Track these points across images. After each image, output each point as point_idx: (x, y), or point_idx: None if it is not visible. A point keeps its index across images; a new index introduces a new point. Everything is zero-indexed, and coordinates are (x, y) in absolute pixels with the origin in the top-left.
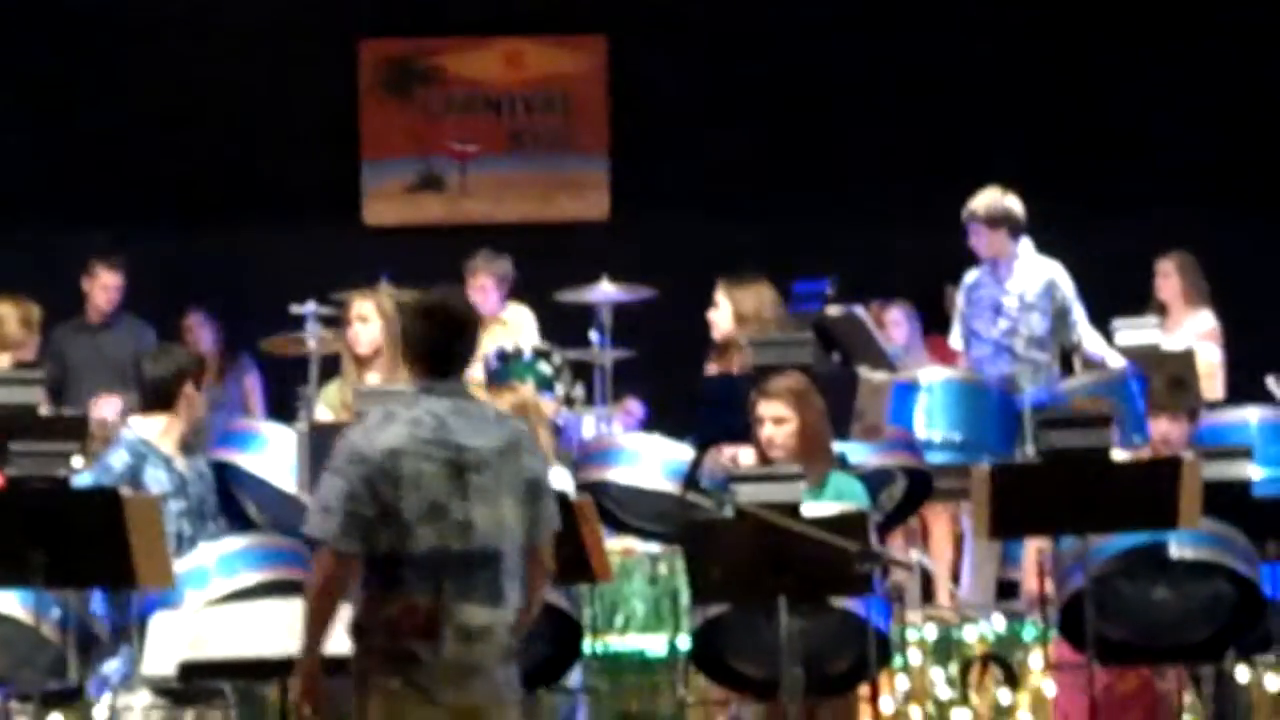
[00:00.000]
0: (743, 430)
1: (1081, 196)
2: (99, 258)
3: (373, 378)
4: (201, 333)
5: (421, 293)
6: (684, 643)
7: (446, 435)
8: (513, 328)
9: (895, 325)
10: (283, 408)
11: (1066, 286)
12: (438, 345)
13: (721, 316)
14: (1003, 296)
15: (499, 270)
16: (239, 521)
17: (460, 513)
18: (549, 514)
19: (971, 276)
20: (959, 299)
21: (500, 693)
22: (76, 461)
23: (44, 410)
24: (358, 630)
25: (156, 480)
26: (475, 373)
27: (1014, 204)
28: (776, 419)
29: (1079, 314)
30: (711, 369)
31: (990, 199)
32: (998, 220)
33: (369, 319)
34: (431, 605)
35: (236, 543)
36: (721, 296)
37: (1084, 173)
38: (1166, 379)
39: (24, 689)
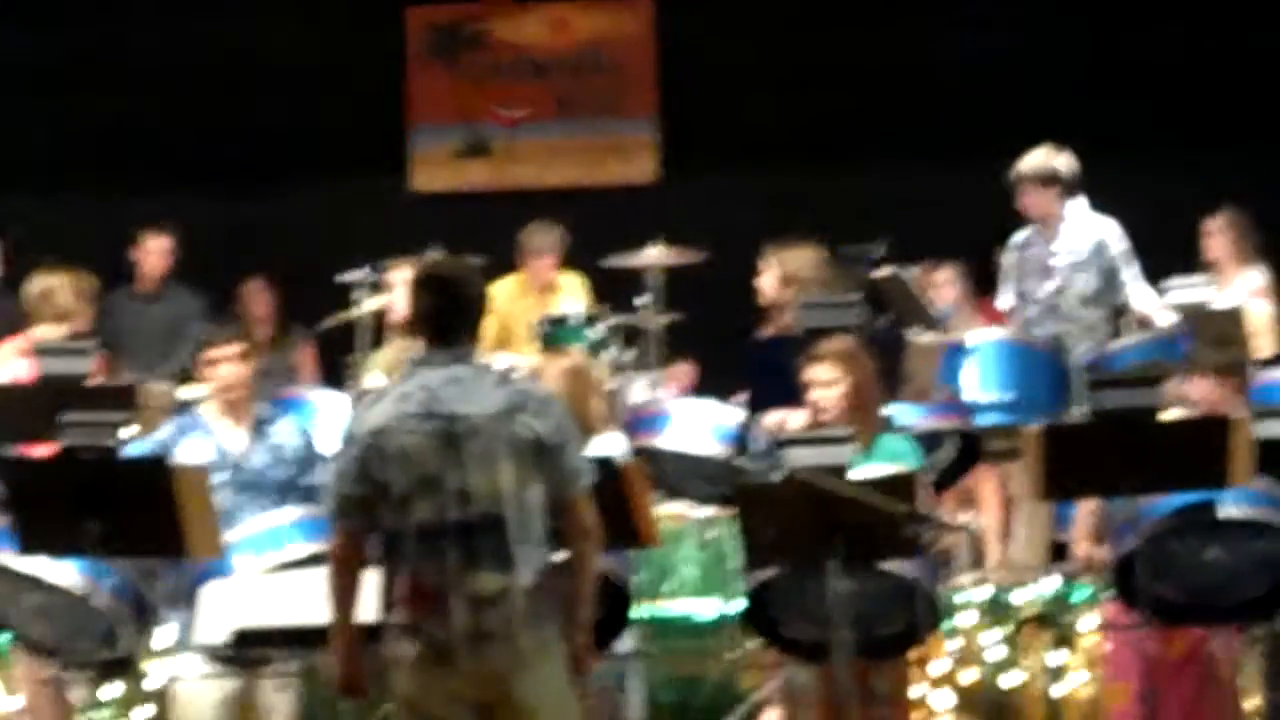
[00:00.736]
0: (794, 393)
1: (1142, 149)
2: (147, 227)
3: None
4: (259, 300)
5: (429, 261)
6: (735, 607)
7: (436, 406)
8: (564, 293)
9: (944, 286)
10: (334, 376)
11: (1116, 245)
12: (435, 314)
13: (768, 280)
14: (1051, 256)
15: (557, 240)
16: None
17: (456, 481)
18: (567, 471)
19: (1021, 236)
20: (1008, 259)
21: (525, 658)
22: (127, 431)
23: (95, 380)
24: (384, 606)
25: (193, 452)
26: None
27: (1064, 163)
28: (825, 382)
29: (1130, 273)
30: (762, 333)
31: (1039, 159)
32: (1047, 180)
33: (405, 286)
34: (437, 580)
35: (288, 514)
36: (767, 260)
37: (1142, 123)
38: (1208, 338)
39: (78, 659)
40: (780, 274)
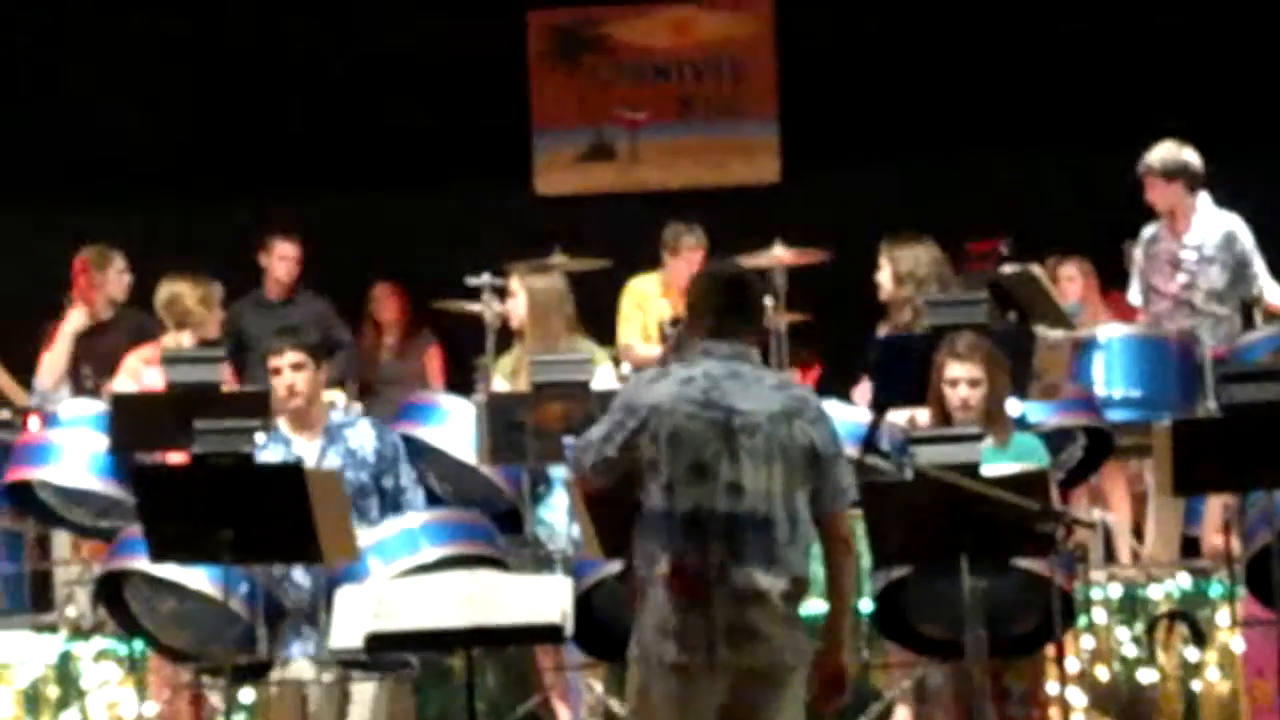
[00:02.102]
0: (920, 391)
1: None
2: (275, 231)
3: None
4: (387, 304)
5: (713, 261)
6: (866, 606)
7: (718, 397)
8: None
9: (1069, 281)
10: (461, 379)
11: (1246, 239)
12: (722, 309)
13: (884, 277)
14: (1180, 250)
15: (704, 240)
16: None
17: (729, 474)
18: (835, 485)
19: (1149, 231)
20: (1137, 254)
21: (783, 656)
22: (259, 437)
23: (226, 387)
24: (633, 590)
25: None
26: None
27: (1191, 157)
28: (972, 380)
29: (1260, 266)
30: (881, 330)
31: (1166, 152)
32: (1174, 173)
33: (516, 293)
34: (700, 565)
35: (419, 518)
36: (883, 258)
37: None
38: None
39: (214, 664)
40: (894, 271)
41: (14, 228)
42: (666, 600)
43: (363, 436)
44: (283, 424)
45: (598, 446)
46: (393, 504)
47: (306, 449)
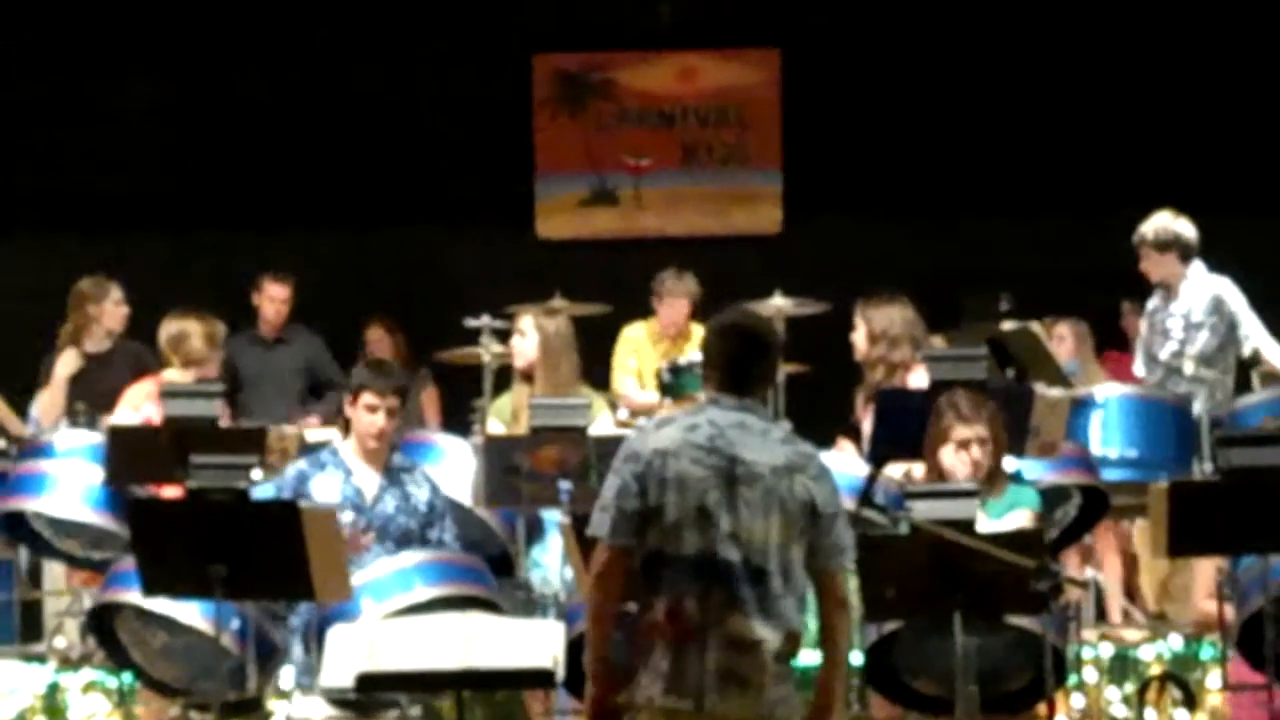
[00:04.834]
0: (917, 445)
1: (1265, 208)
2: (267, 273)
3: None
4: (383, 345)
5: (735, 310)
6: (857, 659)
7: (723, 445)
8: (695, 342)
9: (1061, 341)
10: (456, 420)
11: (1234, 300)
12: (734, 362)
13: (858, 337)
14: (1168, 319)
15: (692, 289)
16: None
17: (728, 524)
18: (834, 544)
19: (1152, 302)
20: (1142, 325)
21: (771, 709)
22: (256, 474)
23: (224, 423)
24: (627, 637)
25: (326, 488)
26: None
27: (1184, 228)
28: (981, 440)
29: (1252, 326)
30: (859, 393)
31: (1159, 224)
32: (1166, 245)
33: (526, 333)
34: (697, 614)
35: (413, 557)
36: (857, 317)
37: (1266, 184)
38: None
39: (204, 699)
40: (868, 330)
41: (12, 257)
42: (660, 644)
43: (419, 485)
44: (349, 450)
45: (615, 505)
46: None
47: (367, 482)
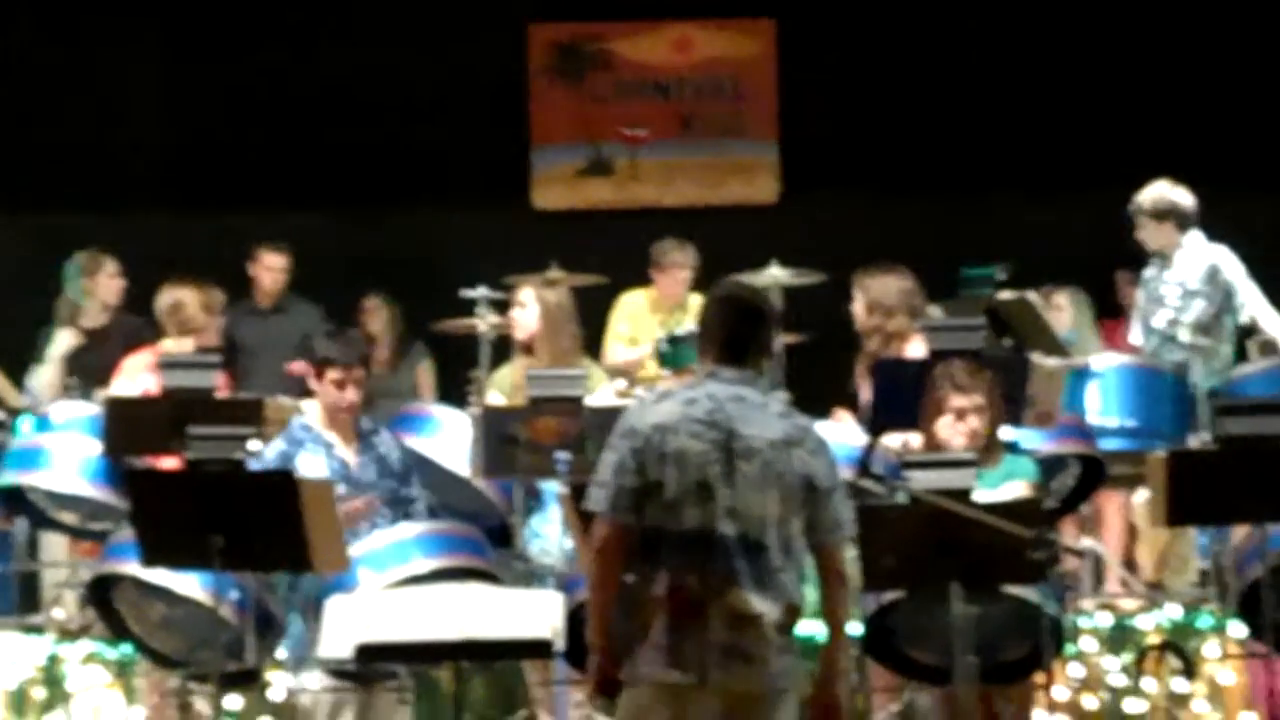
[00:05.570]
0: (914, 415)
1: (1266, 180)
2: (262, 242)
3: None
4: (378, 317)
5: (731, 282)
6: (856, 629)
7: (719, 418)
8: (692, 313)
9: (1060, 310)
10: (452, 391)
11: (1230, 269)
12: (730, 333)
13: (857, 307)
14: (1162, 287)
15: (693, 259)
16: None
17: (727, 498)
18: (832, 518)
19: (1148, 271)
20: (1139, 295)
21: (775, 681)
22: (253, 445)
23: (223, 394)
24: (625, 609)
25: (311, 466)
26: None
27: (1181, 197)
28: (977, 408)
29: (1249, 295)
30: (858, 362)
31: (1156, 193)
32: (1163, 214)
33: (527, 305)
34: (698, 586)
35: (411, 529)
36: (855, 288)
37: (1267, 156)
38: None
39: (203, 670)
40: (865, 300)
41: (8, 230)
42: (661, 619)
43: (388, 444)
44: (318, 425)
45: (614, 482)
46: (405, 513)
47: (346, 454)
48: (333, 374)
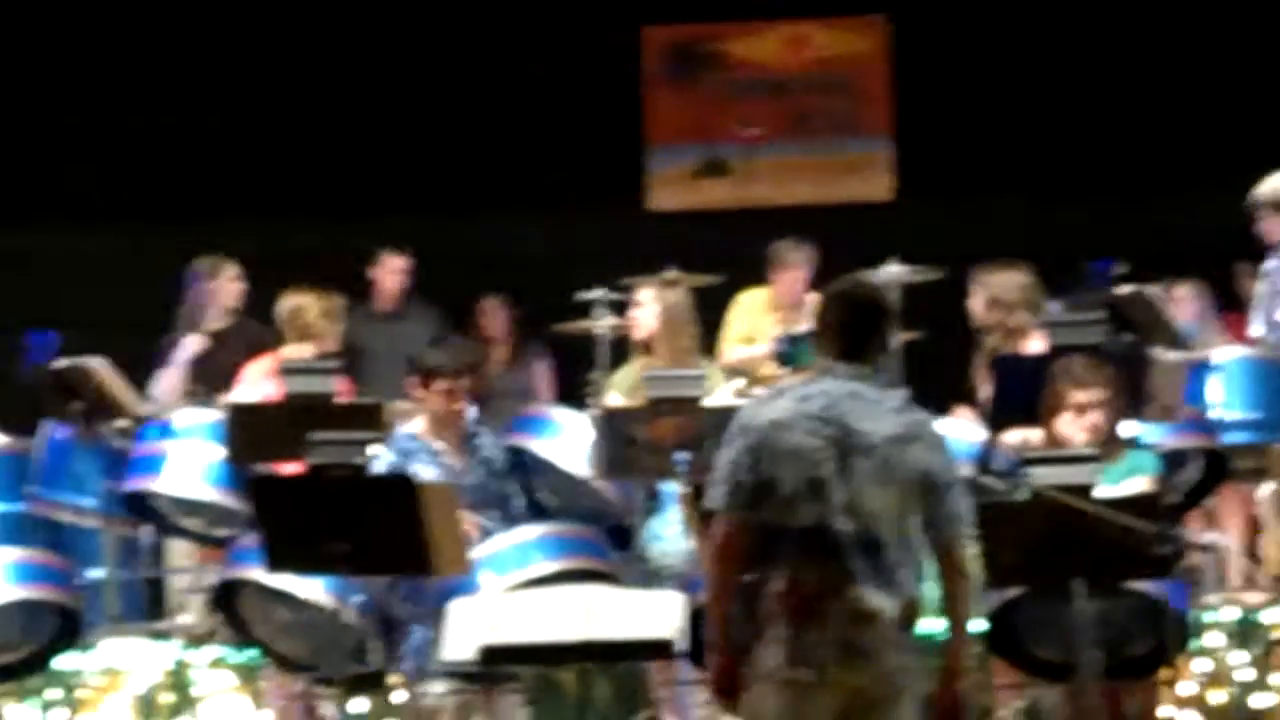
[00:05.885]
0: (1034, 411)
1: None
2: (385, 247)
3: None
4: (495, 318)
5: (848, 279)
6: (978, 626)
7: (836, 415)
8: (809, 312)
9: (1182, 303)
10: (569, 393)
11: None
12: (846, 330)
13: (975, 303)
14: None
15: (809, 258)
16: (532, 507)
17: (843, 494)
18: (949, 513)
19: (1271, 263)
20: (1259, 287)
21: (893, 678)
22: (372, 450)
23: (341, 399)
24: (744, 608)
25: (423, 475)
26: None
27: None
28: (1099, 403)
29: None
30: (976, 358)
31: (1275, 184)
32: None
33: (646, 304)
34: (816, 585)
35: (532, 531)
36: (975, 284)
37: None
38: None
39: (327, 674)
40: (987, 297)
41: (125, 245)
42: (779, 616)
43: (490, 446)
44: (423, 431)
45: (730, 480)
46: (505, 511)
47: (454, 461)
48: (441, 384)
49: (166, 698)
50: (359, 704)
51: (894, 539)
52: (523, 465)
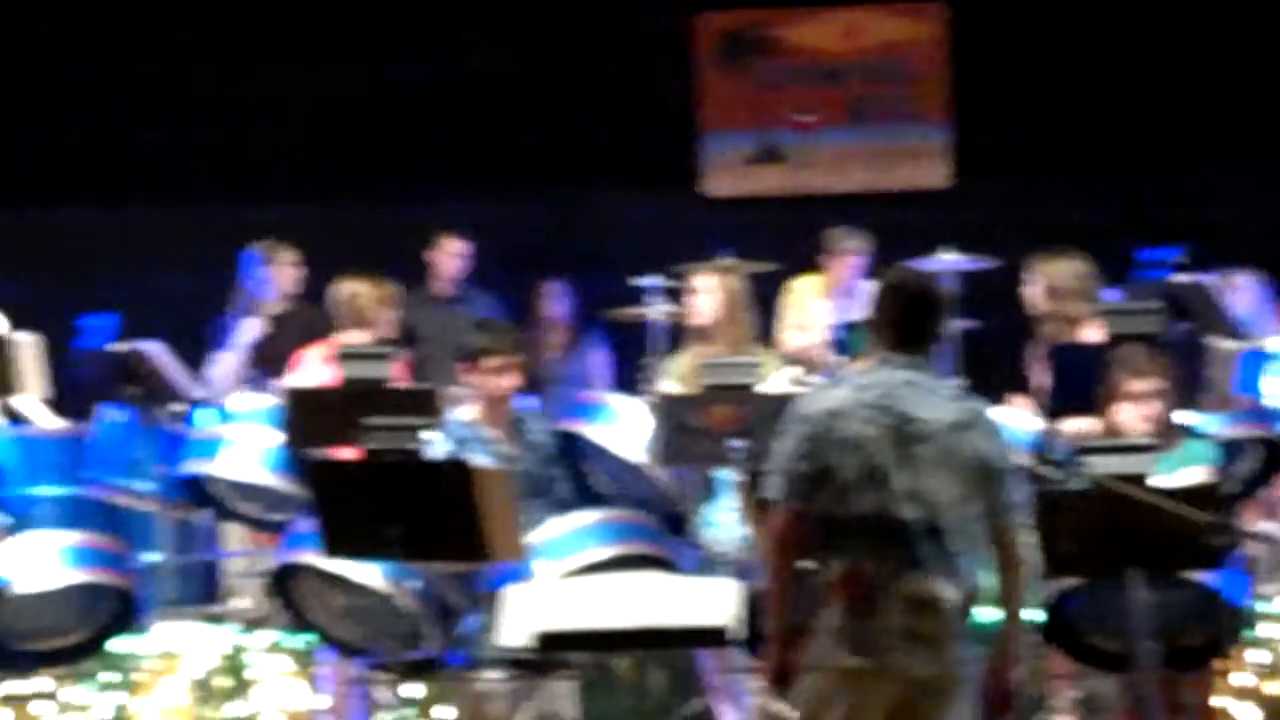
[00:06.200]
0: (1091, 400)
1: None
2: (443, 230)
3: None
4: (553, 304)
5: (901, 268)
6: (1035, 615)
7: (893, 403)
8: (863, 300)
9: (1241, 292)
10: (624, 378)
11: None
12: (902, 318)
13: (1033, 291)
14: None
15: (863, 245)
16: (584, 493)
17: (904, 481)
18: (1005, 500)
19: None
20: None
21: (955, 667)
22: (427, 435)
23: (397, 384)
24: (801, 596)
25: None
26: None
27: None
28: (1156, 393)
29: None
30: (1033, 346)
31: None
32: None
33: (704, 291)
34: (876, 573)
35: (587, 517)
36: (1034, 272)
37: None
38: None
39: (383, 659)
40: (1045, 285)
41: (180, 227)
42: (838, 604)
43: (538, 430)
44: (472, 417)
45: (788, 469)
46: (549, 493)
47: (506, 446)
48: (491, 362)
49: (222, 681)
50: (414, 689)
51: (954, 526)
52: (574, 451)
